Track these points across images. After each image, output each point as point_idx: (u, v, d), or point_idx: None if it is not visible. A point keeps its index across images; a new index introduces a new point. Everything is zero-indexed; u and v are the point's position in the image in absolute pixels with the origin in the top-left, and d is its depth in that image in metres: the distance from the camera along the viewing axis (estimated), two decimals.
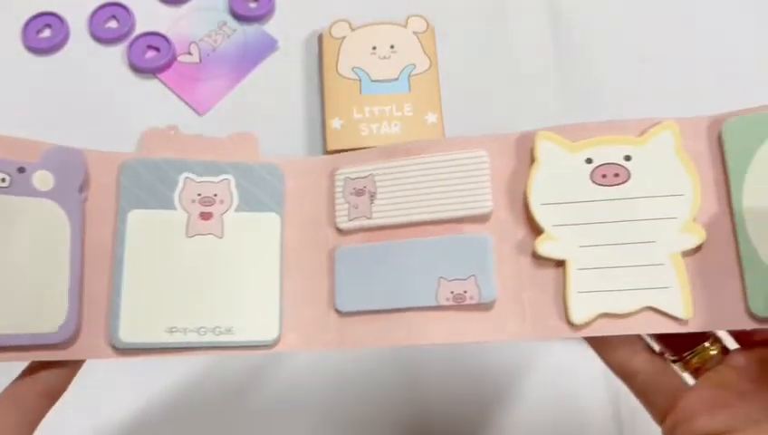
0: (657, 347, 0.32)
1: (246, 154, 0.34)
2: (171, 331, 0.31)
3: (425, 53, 0.54)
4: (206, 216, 0.32)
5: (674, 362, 0.31)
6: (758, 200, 0.29)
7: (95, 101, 0.54)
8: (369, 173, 0.32)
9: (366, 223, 0.32)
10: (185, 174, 0.33)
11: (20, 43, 0.55)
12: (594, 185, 0.30)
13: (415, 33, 0.55)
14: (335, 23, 0.55)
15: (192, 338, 0.31)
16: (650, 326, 0.29)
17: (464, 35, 0.57)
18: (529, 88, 0.56)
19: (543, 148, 0.30)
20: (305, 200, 0.33)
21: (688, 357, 0.31)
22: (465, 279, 0.30)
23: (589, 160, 0.30)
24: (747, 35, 0.59)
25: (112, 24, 0.56)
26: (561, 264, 0.30)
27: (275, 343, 0.31)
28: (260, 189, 0.33)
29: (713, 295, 0.29)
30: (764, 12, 0.60)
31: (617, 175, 0.30)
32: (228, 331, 0.31)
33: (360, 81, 0.53)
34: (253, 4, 0.57)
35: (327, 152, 0.52)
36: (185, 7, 0.57)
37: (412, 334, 0.31)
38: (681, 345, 0.31)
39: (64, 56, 0.55)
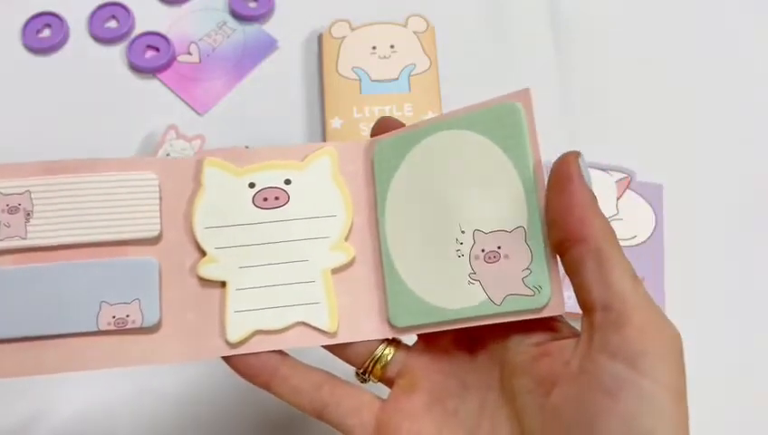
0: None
1: None
2: None
3: (425, 53, 0.54)
4: None
5: (363, 374, 0.32)
6: (395, 219, 0.31)
7: (95, 101, 0.54)
8: (25, 189, 0.30)
9: (19, 243, 0.30)
10: None
11: (20, 42, 0.55)
12: (255, 208, 0.31)
13: (415, 33, 0.55)
14: (335, 23, 0.55)
15: None
16: (302, 340, 0.30)
17: (464, 35, 0.57)
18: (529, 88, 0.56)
19: (209, 173, 0.31)
20: None
21: (370, 366, 0.31)
22: (128, 303, 0.30)
23: (252, 185, 0.31)
24: (747, 36, 0.59)
25: (112, 23, 0.56)
26: (224, 285, 0.31)
27: None
28: None
29: (358, 309, 0.31)
30: (764, 12, 0.60)
31: (277, 198, 0.31)
32: None
33: (360, 80, 0.53)
34: (253, 4, 0.57)
35: None
36: (185, 7, 0.57)
37: (70, 361, 0.29)
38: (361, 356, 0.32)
39: (64, 56, 0.55)
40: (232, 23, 0.57)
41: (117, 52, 0.55)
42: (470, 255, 0.29)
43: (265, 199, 0.31)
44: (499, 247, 0.28)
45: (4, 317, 0.29)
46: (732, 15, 0.59)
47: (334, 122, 0.52)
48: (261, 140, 0.52)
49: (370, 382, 0.32)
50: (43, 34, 0.55)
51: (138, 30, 0.56)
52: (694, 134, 0.55)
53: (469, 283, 0.29)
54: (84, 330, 0.29)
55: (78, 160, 0.31)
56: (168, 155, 0.51)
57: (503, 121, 0.30)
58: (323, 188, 0.32)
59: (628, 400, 0.23)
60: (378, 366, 0.31)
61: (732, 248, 0.52)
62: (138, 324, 0.30)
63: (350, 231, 0.31)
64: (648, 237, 0.50)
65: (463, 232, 0.29)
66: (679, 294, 0.48)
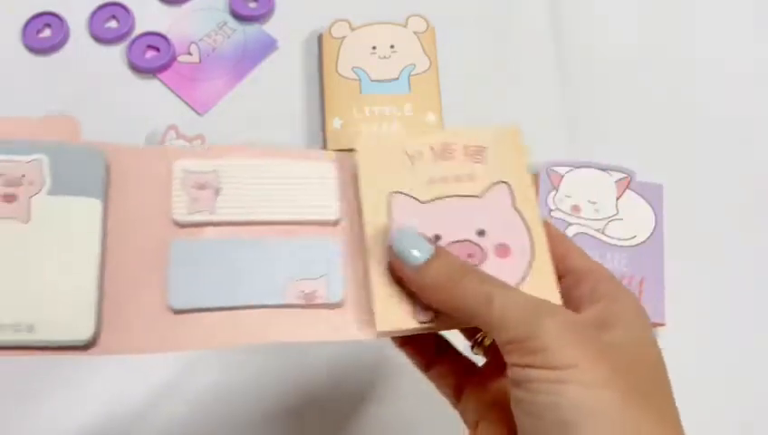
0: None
1: (65, 137, 0.31)
2: None
3: (425, 53, 0.54)
4: (9, 198, 0.29)
5: (471, 347, 0.33)
6: None
7: (95, 101, 0.54)
8: (213, 169, 0.31)
9: (208, 217, 0.31)
10: None
11: (20, 42, 0.55)
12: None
13: (415, 33, 0.55)
14: (335, 23, 0.55)
15: None
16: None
17: (464, 35, 0.57)
18: (529, 88, 0.56)
19: None
20: (137, 188, 0.31)
21: (480, 339, 0.33)
22: (315, 279, 0.30)
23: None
24: (747, 36, 0.59)
25: (112, 23, 0.56)
26: None
27: (90, 343, 0.28)
28: (78, 173, 0.30)
29: None
30: (765, 12, 0.60)
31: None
32: (30, 328, 0.27)
33: (360, 81, 0.53)
34: (253, 4, 0.57)
35: None
36: (185, 7, 0.57)
37: (259, 333, 0.30)
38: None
39: (64, 56, 0.55)
40: (232, 23, 0.57)
41: (117, 52, 0.55)
42: None
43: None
44: None
45: (199, 288, 0.30)
46: (732, 15, 0.59)
47: (334, 122, 0.52)
48: (261, 140, 0.52)
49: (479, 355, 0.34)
50: (43, 34, 0.55)
51: (138, 30, 0.56)
52: (694, 134, 0.55)
53: None
54: (274, 303, 0.30)
55: (261, 147, 0.32)
56: None
57: None
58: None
59: (536, 393, 0.25)
60: (487, 339, 0.33)
61: (732, 248, 0.52)
62: (324, 300, 0.30)
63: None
64: (648, 237, 0.50)
65: None
66: (679, 294, 0.48)
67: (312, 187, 0.32)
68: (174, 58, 0.55)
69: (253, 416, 0.46)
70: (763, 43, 0.58)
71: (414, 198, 0.31)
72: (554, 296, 0.29)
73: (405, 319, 0.30)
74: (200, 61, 0.55)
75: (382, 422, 0.46)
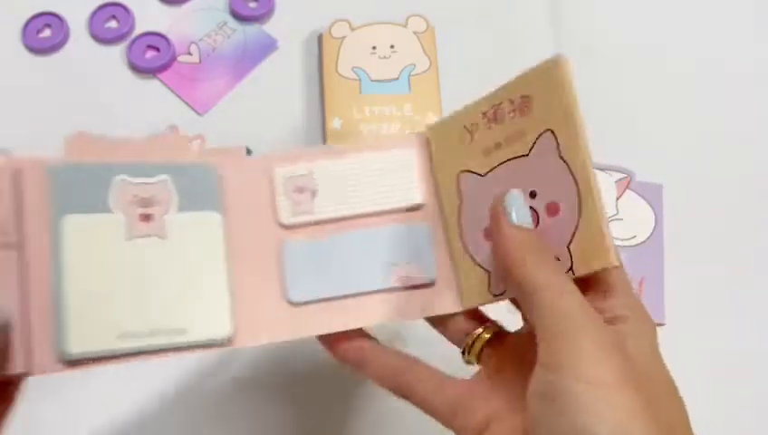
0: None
1: (179, 154, 0.34)
2: (122, 337, 0.30)
3: (425, 53, 0.54)
4: (145, 217, 0.32)
5: (462, 353, 0.33)
6: None
7: (95, 101, 0.54)
8: (308, 171, 0.35)
9: (310, 218, 0.34)
10: (119, 176, 0.32)
11: (20, 42, 0.55)
12: None
13: (415, 33, 0.55)
14: (335, 23, 0.55)
15: (145, 342, 0.30)
16: None
17: (464, 35, 0.57)
18: None
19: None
20: (245, 198, 0.34)
21: (471, 342, 0.33)
22: (410, 262, 0.34)
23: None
24: (747, 35, 0.59)
25: (112, 23, 0.56)
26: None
27: (230, 339, 0.32)
28: (198, 189, 0.33)
29: None
30: (765, 12, 0.60)
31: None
32: (181, 332, 0.31)
33: (360, 80, 0.53)
34: (253, 4, 0.57)
35: None
36: (185, 7, 0.57)
37: (366, 316, 0.33)
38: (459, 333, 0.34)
39: (64, 56, 0.55)
40: (232, 23, 0.57)
41: (117, 52, 0.55)
42: None
43: None
44: None
45: (312, 281, 0.33)
46: (732, 15, 0.59)
47: (334, 122, 0.52)
48: (261, 140, 0.52)
49: (471, 363, 0.33)
50: (43, 34, 0.55)
51: (138, 30, 0.56)
52: (694, 134, 0.55)
53: None
54: (377, 288, 0.34)
55: (345, 145, 0.36)
56: None
57: None
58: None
59: (562, 402, 0.25)
60: (477, 344, 0.33)
61: (732, 248, 0.52)
62: (419, 281, 0.34)
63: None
64: (648, 237, 0.50)
65: None
66: (679, 294, 0.48)
67: (396, 176, 0.35)
68: (174, 58, 0.55)
69: (266, 402, 0.46)
70: (763, 43, 0.58)
71: (476, 173, 0.33)
72: (603, 249, 0.28)
73: (484, 293, 0.32)
74: (200, 61, 0.55)
75: (397, 412, 0.46)
